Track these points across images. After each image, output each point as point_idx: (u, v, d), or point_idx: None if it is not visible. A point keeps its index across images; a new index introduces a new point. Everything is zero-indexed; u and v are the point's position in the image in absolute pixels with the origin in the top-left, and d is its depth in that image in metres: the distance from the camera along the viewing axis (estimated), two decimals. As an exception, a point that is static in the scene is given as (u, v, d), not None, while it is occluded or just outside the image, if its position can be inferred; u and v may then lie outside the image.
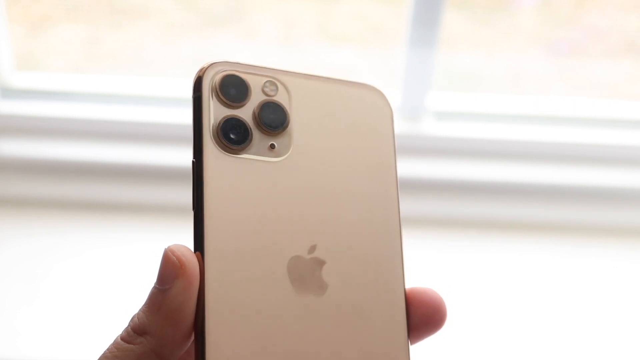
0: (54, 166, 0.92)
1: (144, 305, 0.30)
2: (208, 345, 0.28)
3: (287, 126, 0.32)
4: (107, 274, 0.85)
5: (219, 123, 0.31)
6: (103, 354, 0.29)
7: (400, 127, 0.92)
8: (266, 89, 0.33)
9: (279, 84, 0.33)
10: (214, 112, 0.31)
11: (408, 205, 0.95)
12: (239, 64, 0.32)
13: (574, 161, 0.95)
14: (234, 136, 0.31)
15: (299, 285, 0.30)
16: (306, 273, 0.30)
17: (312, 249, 0.31)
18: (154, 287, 0.30)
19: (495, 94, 1.00)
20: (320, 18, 1.05)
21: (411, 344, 0.31)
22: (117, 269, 0.85)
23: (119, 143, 0.93)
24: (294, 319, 0.29)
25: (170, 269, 0.29)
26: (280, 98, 0.33)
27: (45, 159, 0.92)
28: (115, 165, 0.93)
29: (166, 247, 0.30)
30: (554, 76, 1.06)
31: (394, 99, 0.94)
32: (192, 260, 0.29)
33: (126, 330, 0.30)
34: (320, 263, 0.31)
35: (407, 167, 0.91)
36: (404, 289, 0.32)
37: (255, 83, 0.32)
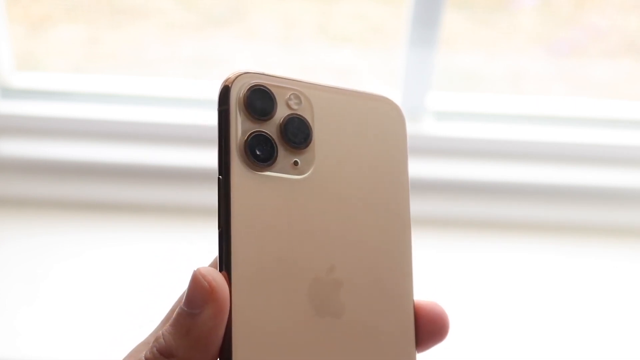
0: (54, 166, 0.92)
1: (170, 326, 0.29)
2: None
3: (310, 142, 0.32)
4: (107, 274, 0.85)
5: (246, 139, 0.31)
6: None
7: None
8: (290, 102, 0.32)
9: (302, 97, 0.33)
10: (241, 127, 0.31)
11: (408, 205, 0.95)
12: (263, 74, 0.32)
13: (574, 161, 0.95)
14: (260, 153, 0.31)
15: (320, 308, 0.31)
16: (326, 295, 0.31)
17: (331, 269, 0.31)
18: (182, 309, 0.29)
19: (495, 94, 1.00)
20: (320, 18, 1.05)
21: (418, 353, 0.33)
22: (117, 269, 0.85)
23: (119, 143, 0.93)
24: (314, 342, 0.30)
25: (200, 293, 0.28)
26: (304, 112, 0.32)
27: (45, 159, 0.92)
28: (115, 165, 0.93)
29: (195, 269, 0.29)
30: (554, 76, 1.06)
31: (394, 99, 0.94)
32: (223, 285, 0.29)
33: (151, 351, 0.29)
34: (339, 284, 0.31)
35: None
36: (413, 305, 0.33)
37: (280, 96, 0.32)
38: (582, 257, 0.91)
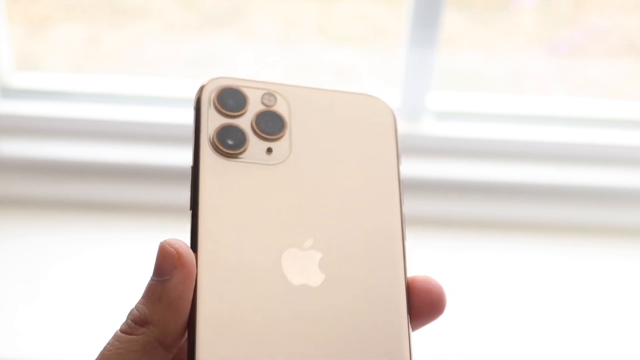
0: (54, 166, 0.92)
1: (141, 298, 0.30)
2: (199, 339, 0.29)
3: (284, 132, 0.34)
4: (107, 274, 0.85)
5: (216, 129, 0.33)
6: (104, 349, 0.29)
7: (400, 127, 0.92)
8: (265, 100, 0.34)
9: (277, 96, 0.34)
10: (212, 120, 0.33)
11: (408, 206, 0.95)
12: (239, 78, 0.34)
13: (574, 161, 0.95)
14: (230, 141, 0.33)
15: (293, 276, 0.31)
16: (301, 264, 0.31)
17: (309, 242, 0.32)
18: (152, 280, 0.30)
19: (495, 94, 0.99)
20: (320, 18, 1.05)
21: (413, 330, 0.32)
22: (117, 269, 0.85)
23: (119, 143, 0.93)
24: (287, 308, 0.30)
25: (168, 260, 0.30)
26: (279, 108, 0.34)
27: (45, 159, 0.92)
28: (115, 165, 0.93)
29: (162, 241, 0.30)
30: (554, 76, 1.06)
31: (394, 99, 0.94)
32: (189, 252, 0.30)
33: (126, 323, 0.30)
34: (316, 256, 0.31)
35: (407, 167, 0.91)
36: (405, 278, 0.32)
37: (253, 95, 0.34)
38: (582, 257, 0.91)
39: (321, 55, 1.03)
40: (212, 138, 0.33)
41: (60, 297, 0.82)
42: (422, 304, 0.32)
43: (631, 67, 1.08)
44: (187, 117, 0.93)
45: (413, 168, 0.92)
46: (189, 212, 0.31)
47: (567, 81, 1.06)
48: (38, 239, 0.88)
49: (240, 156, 0.33)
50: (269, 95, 0.34)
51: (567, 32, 1.06)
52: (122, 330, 0.30)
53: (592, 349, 0.81)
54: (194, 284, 0.30)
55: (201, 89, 0.34)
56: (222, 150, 0.32)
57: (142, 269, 0.90)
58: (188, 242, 0.31)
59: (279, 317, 0.30)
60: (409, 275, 0.32)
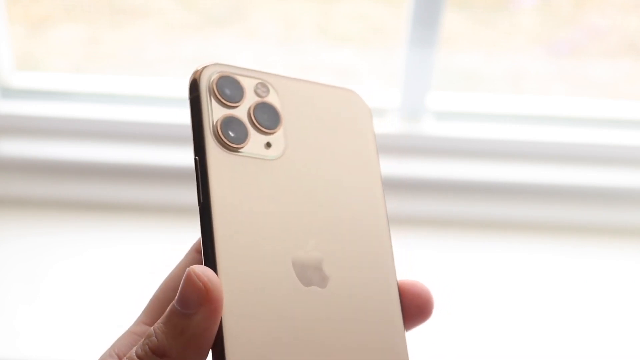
0: (54, 166, 0.92)
1: (163, 325, 0.29)
2: (228, 353, 0.28)
3: (280, 126, 0.34)
4: (107, 274, 0.85)
5: (219, 121, 0.32)
6: None
7: (400, 127, 0.92)
8: (258, 91, 0.34)
9: (269, 86, 0.34)
10: (214, 111, 0.33)
11: (408, 205, 0.95)
12: (231, 66, 0.34)
13: (574, 161, 0.95)
14: (233, 134, 0.32)
15: (305, 281, 0.31)
16: (309, 268, 0.31)
17: (312, 244, 0.32)
18: (175, 308, 0.29)
19: (495, 94, 1.00)
20: (320, 18, 1.05)
21: None
22: (117, 269, 0.85)
23: (119, 143, 0.93)
24: (304, 314, 0.30)
25: (195, 294, 0.28)
26: (272, 99, 0.34)
27: (45, 159, 0.92)
28: (115, 165, 0.93)
29: (189, 268, 0.29)
30: (554, 76, 1.06)
31: (394, 99, 0.94)
32: (217, 285, 0.28)
33: (143, 348, 0.29)
34: (321, 257, 0.32)
35: (407, 167, 0.91)
36: (396, 280, 0.33)
37: (247, 84, 0.34)
38: (582, 257, 0.91)
39: (321, 55, 1.03)
40: (217, 130, 0.32)
41: (60, 297, 0.82)
42: (411, 309, 0.32)
43: (631, 67, 1.08)
44: (188, 117, 0.93)
45: (413, 168, 0.92)
46: (198, 204, 0.31)
47: (567, 81, 1.06)
48: (38, 239, 0.88)
49: (241, 150, 0.32)
50: (262, 85, 0.34)
51: (567, 32, 1.06)
52: (137, 355, 0.29)
53: (592, 349, 0.81)
54: (219, 321, 0.28)
55: (197, 77, 0.33)
56: (225, 143, 0.32)
57: (142, 269, 0.90)
58: (192, 241, 0.30)
59: (298, 324, 0.30)
60: (398, 278, 0.33)
